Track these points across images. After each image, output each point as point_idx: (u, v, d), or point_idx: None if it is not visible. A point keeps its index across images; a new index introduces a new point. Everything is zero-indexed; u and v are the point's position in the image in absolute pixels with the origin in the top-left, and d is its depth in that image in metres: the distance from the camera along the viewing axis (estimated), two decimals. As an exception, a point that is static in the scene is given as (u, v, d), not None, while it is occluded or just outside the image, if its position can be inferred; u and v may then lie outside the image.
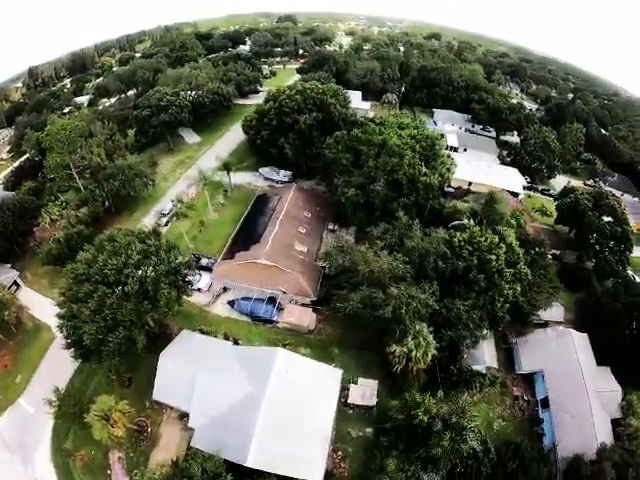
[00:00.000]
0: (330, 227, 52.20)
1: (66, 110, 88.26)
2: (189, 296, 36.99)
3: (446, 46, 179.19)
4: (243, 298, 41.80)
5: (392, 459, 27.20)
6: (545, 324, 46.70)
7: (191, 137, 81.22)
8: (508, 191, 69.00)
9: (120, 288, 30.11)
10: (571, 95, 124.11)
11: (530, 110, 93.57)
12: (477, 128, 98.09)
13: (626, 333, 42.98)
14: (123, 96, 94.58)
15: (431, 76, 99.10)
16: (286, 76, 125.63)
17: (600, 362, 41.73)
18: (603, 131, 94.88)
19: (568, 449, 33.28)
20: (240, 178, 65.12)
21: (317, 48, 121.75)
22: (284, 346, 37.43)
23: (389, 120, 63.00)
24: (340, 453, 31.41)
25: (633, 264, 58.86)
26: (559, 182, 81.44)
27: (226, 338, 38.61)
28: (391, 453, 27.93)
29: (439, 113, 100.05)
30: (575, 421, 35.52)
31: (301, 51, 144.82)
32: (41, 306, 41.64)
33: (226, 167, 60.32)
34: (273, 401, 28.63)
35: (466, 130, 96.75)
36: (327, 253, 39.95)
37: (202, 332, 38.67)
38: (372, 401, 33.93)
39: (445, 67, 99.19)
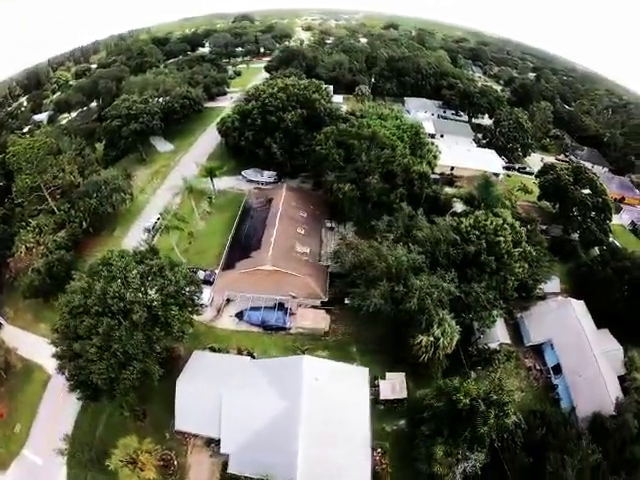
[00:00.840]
0: (327, 225, 51.05)
1: (25, 129, 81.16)
2: (200, 315, 34.54)
3: (404, 34, 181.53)
4: (252, 308, 39.94)
5: (439, 446, 27.45)
6: (543, 296, 48.51)
7: (163, 145, 77.23)
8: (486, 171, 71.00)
9: (125, 317, 27.31)
10: (532, 74, 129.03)
11: (497, 92, 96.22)
12: (449, 113, 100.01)
13: (618, 296, 45.34)
14: (85, 109, 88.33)
15: (399, 65, 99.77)
16: (251, 75, 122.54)
17: (598, 325, 43.88)
18: (567, 107, 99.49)
19: (586, 409, 35.41)
20: (223, 183, 62.53)
21: (285, 44, 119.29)
22: (303, 352, 36.44)
23: (369, 112, 62.76)
24: (379, 450, 31.15)
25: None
26: (532, 160, 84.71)
27: (240, 353, 36.71)
28: (436, 440, 28.08)
29: (411, 101, 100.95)
30: (587, 382, 37.68)
31: (262, 49, 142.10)
32: (29, 344, 37.86)
33: (210, 173, 57.60)
34: (310, 411, 27.57)
35: (439, 116, 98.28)
36: (338, 252, 38.93)
37: (213, 350, 36.53)
38: (403, 394, 33.92)
39: (412, 56, 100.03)
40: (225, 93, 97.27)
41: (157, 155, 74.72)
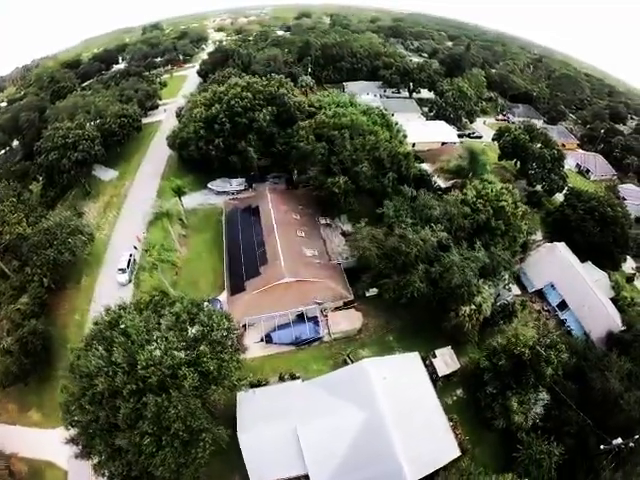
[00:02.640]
0: (322, 222, 49.11)
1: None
2: (244, 352, 30.32)
3: (318, 21, 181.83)
4: (280, 327, 36.91)
5: (513, 398, 29.24)
6: (530, 246, 51.98)
7: (105, 173, 68.06)
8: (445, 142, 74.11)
9: (165, 386, 22.24)
10: (449, 43, 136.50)
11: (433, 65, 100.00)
12: (389, 92, 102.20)
13: (593, 232, 50.16)
14: (7, 149, 74.26)
15: (333, 52, 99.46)
16: (178, 84, 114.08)
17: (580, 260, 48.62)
18: (493, 70, 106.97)
19: (597, 332, 40.15)
20: (189, 201, 56.86)
21: (219, 44, 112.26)
22: (348, 356, 35.30)
23: (325, 101, 61.50)
24: (451, 423, 31.39)
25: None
26: (475, 124, 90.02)
27: (281, 379, 33.65)
28: (507, 395, 29.68)
29: (352, 85, 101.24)
30: (591, 310, 42.16)
31: (181, 56, 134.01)
32: (27, 440, 30.84)
33: (178, 191, 51.89)
34: (392, 411, 26.95)
35: (381, 96, 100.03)
36: (360, 247, 37.28)
37: (251, 385, 32.99)
38: (456, 365, 34.76)
39: (344, 40, 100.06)
40: (157, 106, 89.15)
41: (102, 185, 65.80)
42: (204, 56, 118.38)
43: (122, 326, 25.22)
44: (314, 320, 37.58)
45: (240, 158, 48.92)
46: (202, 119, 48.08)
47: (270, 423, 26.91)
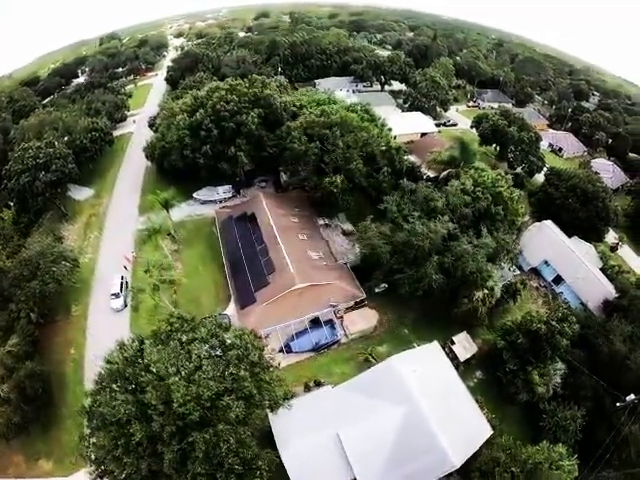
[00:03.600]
0: (321, 222, 48.51)
1: None
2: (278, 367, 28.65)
3: (279, 21, 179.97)
4: (297, 334, 35.99)
5: (534, 372, 30.88)
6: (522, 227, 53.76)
7: (80, 192, 63.87)
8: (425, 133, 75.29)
9: (205, 419, 20.62)
10: (410, 34, 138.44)
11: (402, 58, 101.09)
12: (361, 86, 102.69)
13: (575, 209, 52.58)
14: None
15: (302, 50, 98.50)
16: (144, 93, 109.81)
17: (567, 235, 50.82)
18: (458, 58, 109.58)
19: (594, 301, 42.82)
20: (175, 213, 54.43)
21: (186, 49, 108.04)
22: (370, 355, 35.08)
23: (305, 100, 60.89)
24: (478, 403, 31.92)
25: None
26: (448, 113, 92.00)
27: (307, 387, 32.84)
28: (528, 370, 31.24)
29: (323, 82, 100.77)
30: (585, 282, 44.60)
31: (144, 65, 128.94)
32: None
33: (165, 205, 49.47)
34: (427, 403, 27.23)
35: (353, 91, 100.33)
36: (369, 244, 36.88)
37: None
38: (474, 348, 35.88)
39: (312, 38, 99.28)
40: (126, 118, 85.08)
41: (78, 206, 61.76)
42: (167, 63, 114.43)
43: (140, 361, 23.11)
44: (330, 323, 36.98)
45: (229, 164, 47.12)
46: (186, 126, 45.87)
47: (309, 434, 26.16)
